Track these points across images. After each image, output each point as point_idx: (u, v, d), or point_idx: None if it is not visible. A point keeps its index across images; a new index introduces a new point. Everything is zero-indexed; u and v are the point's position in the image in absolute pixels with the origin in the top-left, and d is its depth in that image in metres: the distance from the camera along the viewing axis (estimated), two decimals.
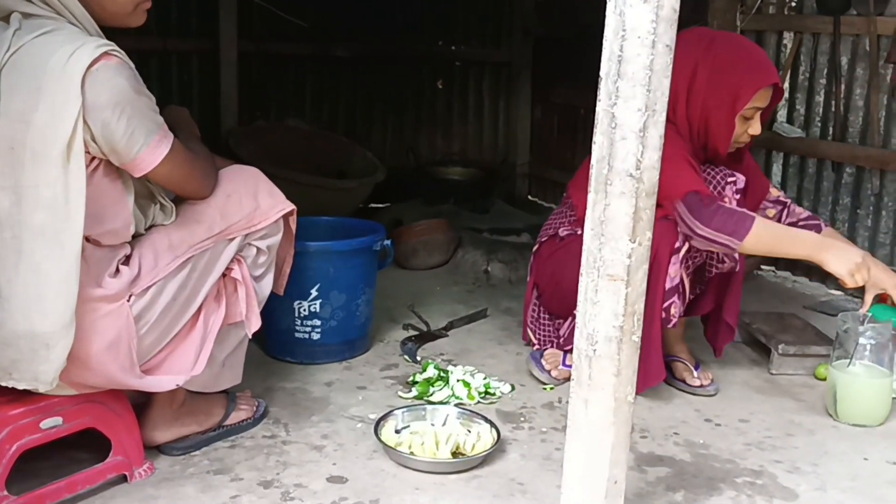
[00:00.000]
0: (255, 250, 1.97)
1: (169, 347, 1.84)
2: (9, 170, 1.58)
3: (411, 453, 1.97)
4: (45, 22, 1.64)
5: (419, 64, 5.17)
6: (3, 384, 1.66)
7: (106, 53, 1.61)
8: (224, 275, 1.92)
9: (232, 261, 1.92)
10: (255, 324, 1.99)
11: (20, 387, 1.65)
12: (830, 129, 3.49)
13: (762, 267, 3.72)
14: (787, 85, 3.67)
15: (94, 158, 1.66)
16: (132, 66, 1.67)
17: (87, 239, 1.65)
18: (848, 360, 2.29)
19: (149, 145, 1.67)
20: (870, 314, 2.38)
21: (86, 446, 1.87)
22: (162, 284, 1.77)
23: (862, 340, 2.28)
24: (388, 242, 2.64)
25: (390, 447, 1.98)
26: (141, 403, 1.95)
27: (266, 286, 2.05)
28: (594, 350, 1.53)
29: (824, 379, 2.46)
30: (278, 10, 4.52)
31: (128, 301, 1.72)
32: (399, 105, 5.19)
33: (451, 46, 5.20)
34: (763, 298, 3.35)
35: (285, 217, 2.02)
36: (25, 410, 1.68)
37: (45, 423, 1.70)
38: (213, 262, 1.87)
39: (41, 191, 1.58)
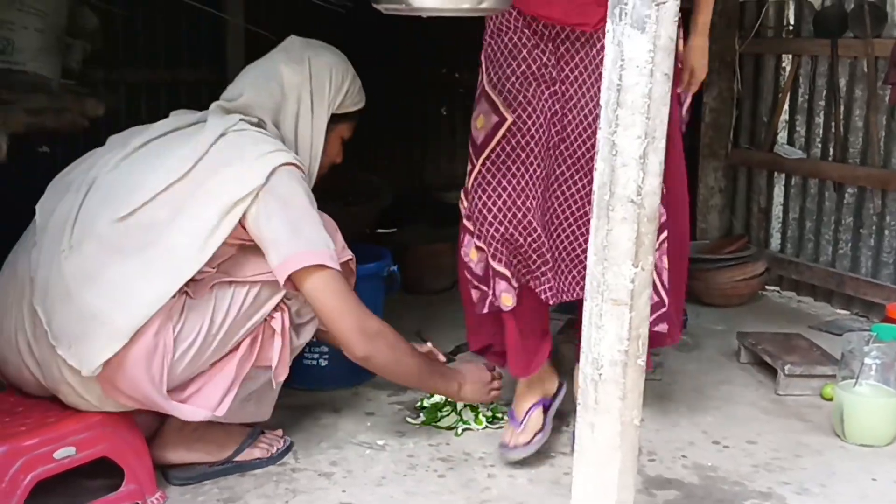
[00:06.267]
0: (303, 298, 1.95)
1: (198, 382, 1.86)
2: (183, 196, 1.82)
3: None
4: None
5: (423, 90, 5.23)
6: (60, 352, 1.74)
7: (297, 165, 1.93)
8: (266, 320, 1.93)
9: (276, 308, 1.94)
10: (283, 375, 1.99)
11: (70, 360, 1.73)
12: (831, 149, 3.51)
13: (767, 287, 3.74)
14: (786, 107, 3.71)
15: (239, 245, 1.87)
16: None
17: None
18: (854, 380, 2.30)
19: (300, 251, 1.83)
20: (875, 333, 2.40)
21: (99, 475, 1.89)
22: (205, 311, 1.83)
23: (867, 360, 2.29)
24: (395, 268, 2.66)
25: None
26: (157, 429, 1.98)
27: (306, 335, 2.04)
28: (600, 374, 1.55)
29: (831, 399, 2.46)
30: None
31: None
32: (404, 130, 5.23)
33: (455, 73, 5.26)
34: (768, 318, 3.36)
35: (346, 262, 2.01)
36: (39, 441, 1.71)
37: (59, 454, 1.73)
38: (259, 304, 1.90)
39: (196, 223, 1.80)
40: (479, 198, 2.05)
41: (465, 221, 2.11)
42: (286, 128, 2.05)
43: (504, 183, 2.04)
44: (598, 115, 1.93)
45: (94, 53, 3.44)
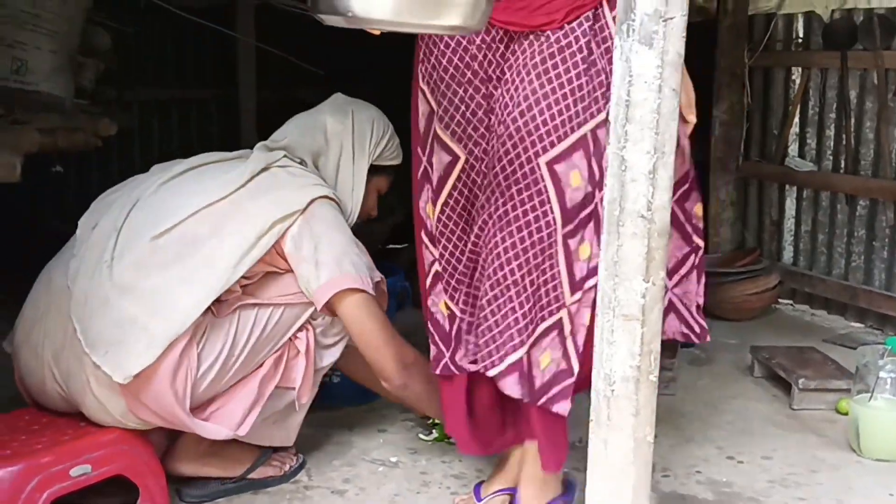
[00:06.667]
0: (330, 319, 1.97)
1: (220, 400, 1.88)
2: (222, 215, 1.87)
3: None
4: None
5: None
6: (95, 360, 1.76)
7: (336, 202, 2.01)
8: (290, 339, 1.95)
9: (301, 327, 1.95)
10: (306, 396, 1.99)
11: (105, 366, 1.74)
12: (842, 162, 3.50)
13: (780, 300, 3.72)
14: (797, 120, 3.70)
15: (270, 272, 1.90)
16: None
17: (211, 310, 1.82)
18: (869, 395, 2.28)
19: (343, 275, 1.87)
20: (889, 347, 2.38)
21: (113, 493, 1.90)
22: (228, 331, 1.84)
23: (882, 374, 2.27)
24: (406, 284, 2.67)
25: None
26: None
27: (330, 357, 2.03)
28: (612, 390, 1.54)
29: (846, 413, 2.45)
30: (295, 58, 4.62)
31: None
32: None
33: None
34: (781, 332, 3.34)
35: (376, 284, 2.02)
36: (55, 458, 1.72)
37: (75, 471, 1.73)
38: (282, 326, 1.92)
39: (234, 239, 1.84)
40: (446, 248, 1.84)
41: (436, 267, 1.87)
42: (327, 173, 2.12)
43: (469, 230, 1.82)
44: (527, 120, 1.67)
45: (107, 72, 3.48)
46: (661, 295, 1.57)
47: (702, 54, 3.53)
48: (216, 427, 1.86)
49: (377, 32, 1.52)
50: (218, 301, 1.83)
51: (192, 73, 4.55)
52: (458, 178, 1.81)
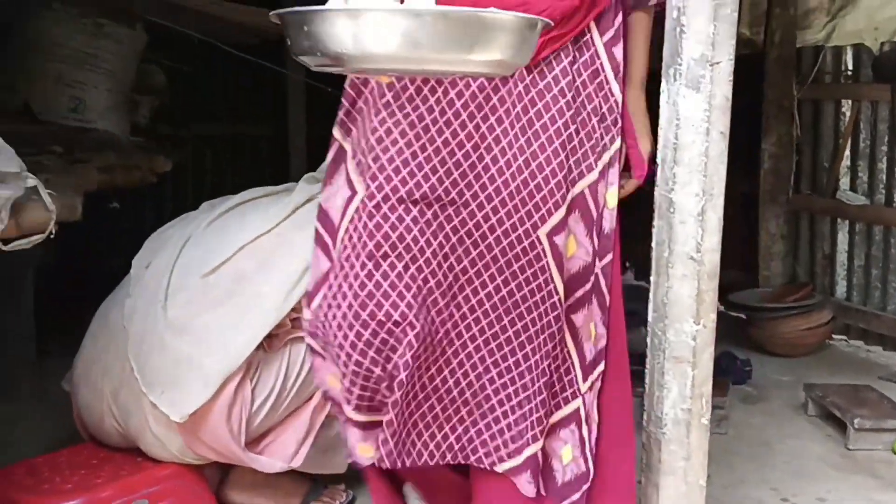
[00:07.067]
0: None
1: (274, 433, 1.91)
2: (269, 249, 1.90)
3: None
4: None
5: None
6: (152, 399, 1.80)
7: None
8: None
9: None
10: None
11: (161, 406, 1.78)
12: (895, 195, 3.44)
13: (833, 336, 3.64)
14: (847, 153, 3.65)
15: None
16: None
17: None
18: None
19: None
20: None
21: None
22: (280, 365, 1.88)
23: None
24: None
25: None
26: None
27: None
28: (663, 433, 1.53)
29: None
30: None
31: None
32: None
33: None
34: (835, 369, 3.27)
35: None
36: (114, 493, 1.76)
37: None
38: None
39: (280, 273, 1.86)
40: (329, 308, 1.53)
41: (309, 340, 1.63)
42: None
43: (357, 286, 1.47)
44: (519, 185, 1.51)
45: (162, 108, 3.58)
46: (712, 337, 1.56)
47: (749, 87, 3.52)
48: (270, 460, 1.89)
49: (387, 79, 1.31)
50: (269, 336, 1.86)
51: (243, 109, 4.66)
52: (351, 221, 1.49)
